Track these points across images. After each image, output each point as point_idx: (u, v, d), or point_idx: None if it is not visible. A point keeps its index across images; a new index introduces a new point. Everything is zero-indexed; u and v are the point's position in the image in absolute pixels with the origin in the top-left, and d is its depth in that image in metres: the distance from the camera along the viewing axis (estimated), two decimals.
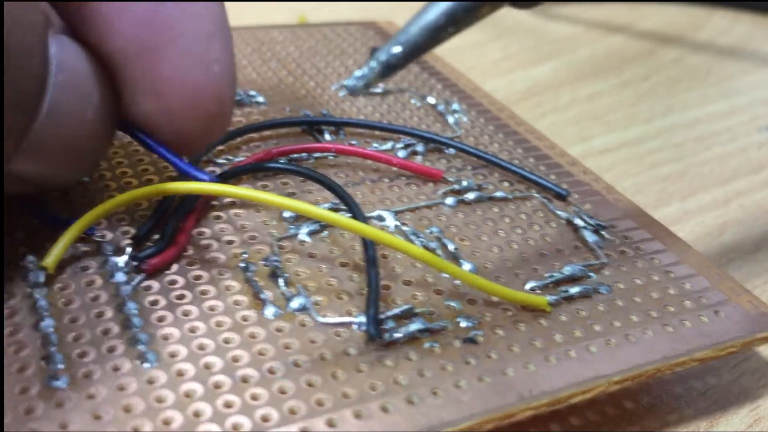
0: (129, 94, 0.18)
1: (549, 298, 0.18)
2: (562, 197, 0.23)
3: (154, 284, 0.17)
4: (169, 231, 0.18)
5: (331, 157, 0.23)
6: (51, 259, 0.17)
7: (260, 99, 0.26)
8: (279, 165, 0.21)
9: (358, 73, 0.16)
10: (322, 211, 0.17)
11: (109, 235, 0.18)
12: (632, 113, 0.34)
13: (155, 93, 0.17)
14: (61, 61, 0.16)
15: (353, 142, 0.24)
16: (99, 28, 0.17)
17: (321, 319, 0.17)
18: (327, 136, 0.24)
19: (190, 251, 0.19)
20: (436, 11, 0.15)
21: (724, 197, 0.28)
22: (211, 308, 0.17)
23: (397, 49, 0.15)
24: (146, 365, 0.15)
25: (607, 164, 0.25)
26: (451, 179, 0.23)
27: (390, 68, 0.15)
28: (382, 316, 0.17)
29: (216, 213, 0.20)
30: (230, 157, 0.22)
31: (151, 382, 0.15)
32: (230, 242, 0.19)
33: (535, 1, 0.17)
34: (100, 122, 0.17)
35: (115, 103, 0.18)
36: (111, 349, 0.16)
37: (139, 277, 0.17)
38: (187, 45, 0.17)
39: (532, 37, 0.41)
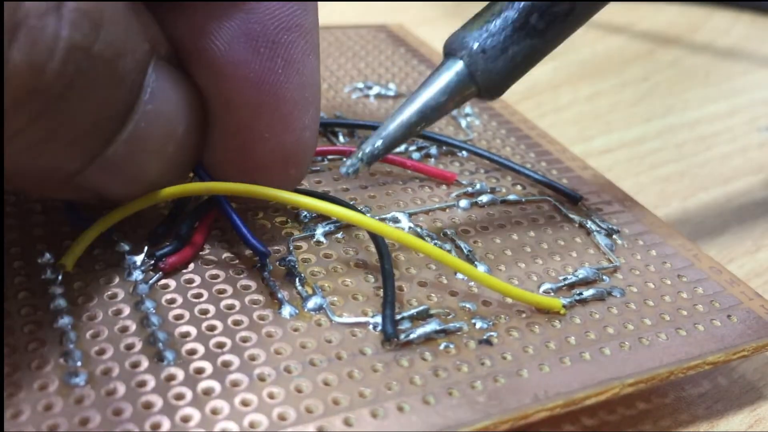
0: (218, 141, 0.18)
1: (563, 300, 0.18)
2: (574, 201, 0.23)
3: (172, 282, 0.18)
4: (186, 230, 0.18)
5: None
6: (70, 257, 0.17)
7: None
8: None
9: (348, 162, 0.18)
10: (341, 210, 0.17)
11: (127, 234, 0.19)
12: (632, 113, 0.34)
13: (245, 148, 0.18)
14: (155, 91, 0.16)
15: None
16: (209, 74, 0.17)
17: (337, 319, 0.17)
18: (341, 138, 0.24)
19: (207, 250, 0.19)
20: (410, 111, 0.18)
21: (725, 197, 0.29)
22: (229, 307, 0.17)
23: (379, 143, 0.18)
24: (164, 363, 0.16)
25: (607, 164, 0.25)
26: (464, 182, 0.23)
27: (374, 158, 0.18)
28: (397, 317, 0.17)
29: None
30: None
31: (169, 379, 0.15)
32: None
33: (498, 93, 0.19)
34: (179, 157, 0.17)
35: (198, 144, 0.18)
36: (129, 347, 0.16)
37: (156, 276, 0.18)
38: (287, 110, 0.17)
39: None
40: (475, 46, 0.18)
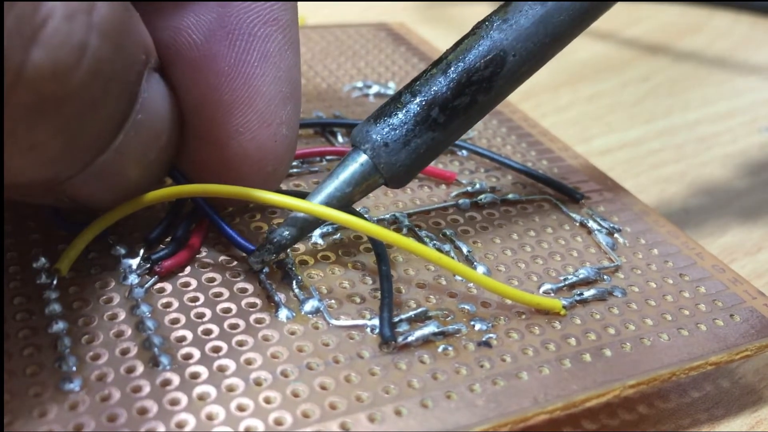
0: (194, 141, 0.18)
1: (563, 301, 0.18)
2: (575, 200, 0.22)
3: (167, 286, 0.17)
4: (182, 233, 0.18)
5: None
6: (65, 261, 0.17)
7: None
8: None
9: (257, 253, 0.18)
10: (336, 214, 0.17)
11: (123, 237, 0.18)
12: (632, 114, 0.34)
13: (220, 145, 0.18)
14: (145, 100, 0.16)
15: None
16: (186, 70, 0.17)
17: (334, 322, 0.17)
18: (340, 138, 0.24)
19: (204, 253, 0.18)
20: (316, 202, 0.18)
21: (726, 198, 0.28)
22: (225, 311, 0.17)
23: (286, 234, 0.18)
24: (160, 368, 0.15)
25: (607, 165, 0.25)
26: (464, 181, 0.23)
27: (282, 248, 0.18)
28: (395, 319, 0.17)
29: (228, 216, 0.20)
30: None
31: (164, 384, 0.15)
32: None
33: (403, 183, 0.19)
34: (159, 164, 0.17)
35: (175, 148, 0.18)
36: (124, 352, 0.16)
37: (152, 279, 0.17)
38: (263, 104, 0.17)
39: None
40: (378, 139, 0.18)
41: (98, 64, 0.14)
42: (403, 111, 0.18)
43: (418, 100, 0.18)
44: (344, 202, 0.18)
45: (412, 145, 0.18)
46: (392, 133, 0.18)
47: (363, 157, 0.18)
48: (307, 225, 0.18)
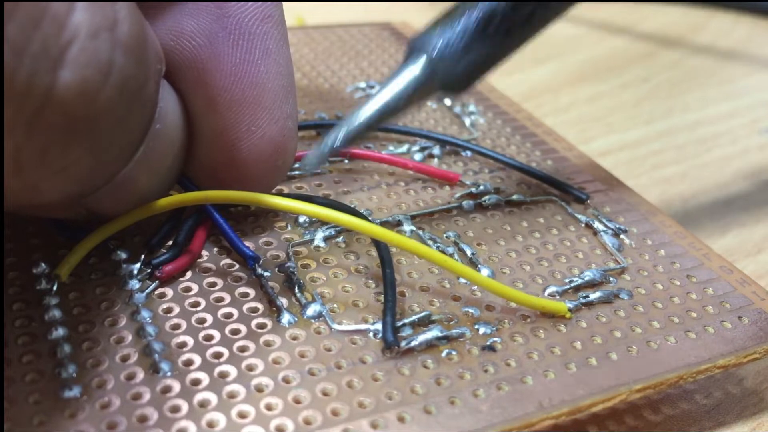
0: (203, 145, 0.18)
1: (568, 303, 0.18)
2: (581, 200, 0.22)
3: (168, 291, 0.17)
4: (182, 238, 0.18)
5: (347, 162, 0.23)
6: (65, 267, 0.17)
7: None
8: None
9: (311, 154, 0.18)
10: (342, 217, 0.17)
11: (124, 242, 0.18)
12: (633, 115, 0.34)
13: (232, 146, 0.18)
14: (162, 110, 0.16)
15: (369, 146, 0.24)
16: (192, 75, 0.17)
17: (337, 327, 0.17)
18: None
19: (205, 257, 0.18)
20: (373, 107, 0.18)
21: (726, 199, 0.28)
22: (226, 315, 0.17)
23: (341, 136, 0.18)
24: (160, 374, 0.15)
25: (607, 166, 0.25)
26: (468, 182, 0.22)
27: (335, 150, 0.18)
28: (398, 323, 0.17)
29: (231, 219, 0.20)
30: None
31: (165, 391, 0.15)
32: None
33: (460, 91, 0.19)
34: (173, 171, 0.17)
35: (186, 154, 0.18)
36: (125, 358, 0.16)
37: (152, 285, 0.17)
38: (270, 100, 0.17)
39: None
40: (439, 46, 0.18)
41: (124, 80, 0.14)
42: (464, 20, 0.18)
43: (478, 9, 0.18)
44: (400, 108, 0.18)
45: (472, 55, 0.18)
46: (452, 41, 0.18)
47: (421, 64, 0.18)
48: (360, 132, 0.18)
